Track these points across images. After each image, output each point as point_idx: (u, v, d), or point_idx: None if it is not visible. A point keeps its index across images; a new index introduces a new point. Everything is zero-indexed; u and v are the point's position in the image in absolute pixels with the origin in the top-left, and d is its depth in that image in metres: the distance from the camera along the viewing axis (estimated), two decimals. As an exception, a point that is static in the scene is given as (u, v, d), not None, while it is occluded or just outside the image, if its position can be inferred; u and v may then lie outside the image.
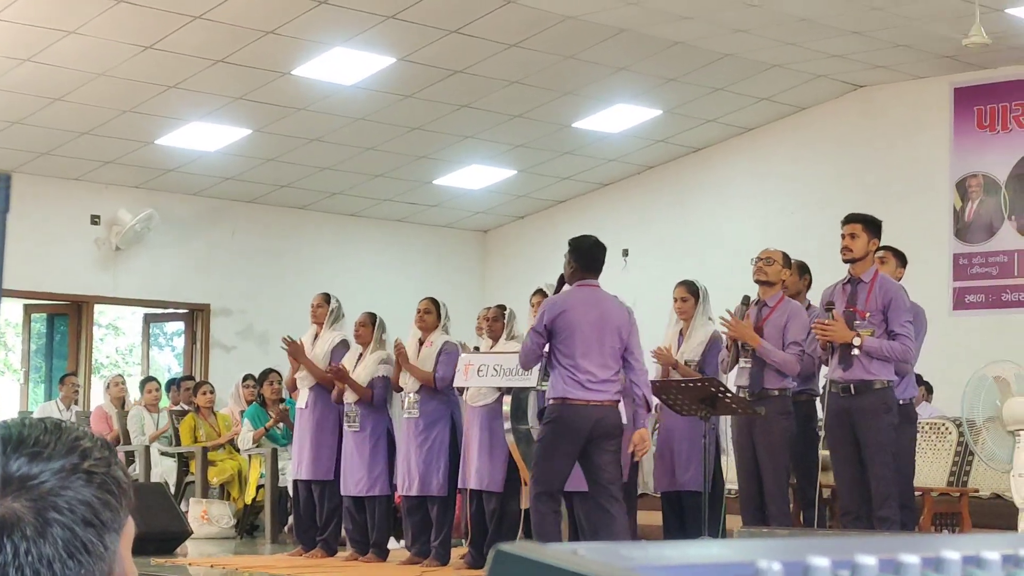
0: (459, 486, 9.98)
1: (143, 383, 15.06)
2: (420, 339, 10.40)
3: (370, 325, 10.75)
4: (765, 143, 15.78)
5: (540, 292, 10.79)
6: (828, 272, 9.73)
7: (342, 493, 10.66)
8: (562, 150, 16.02)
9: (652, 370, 9.92)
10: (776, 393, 8.70)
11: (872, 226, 8.44)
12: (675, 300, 9.63)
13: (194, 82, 13.32)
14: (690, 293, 9.57)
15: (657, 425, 9.95)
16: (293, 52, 12.91)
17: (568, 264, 8.48)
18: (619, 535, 8.16)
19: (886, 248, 8.95)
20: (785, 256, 9.03)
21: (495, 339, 10.09)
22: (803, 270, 9.68)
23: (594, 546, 1.16)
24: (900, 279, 8.93)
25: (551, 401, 8.35)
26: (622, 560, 1.13)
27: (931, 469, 11.33)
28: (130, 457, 14.03)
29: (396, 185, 16.79)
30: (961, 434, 10.96)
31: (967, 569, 1.25)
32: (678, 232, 16.44)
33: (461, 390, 10.01)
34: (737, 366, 8.81)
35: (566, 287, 8.57)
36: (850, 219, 8.49)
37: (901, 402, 8.50)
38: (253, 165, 15.72)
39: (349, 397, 10.59)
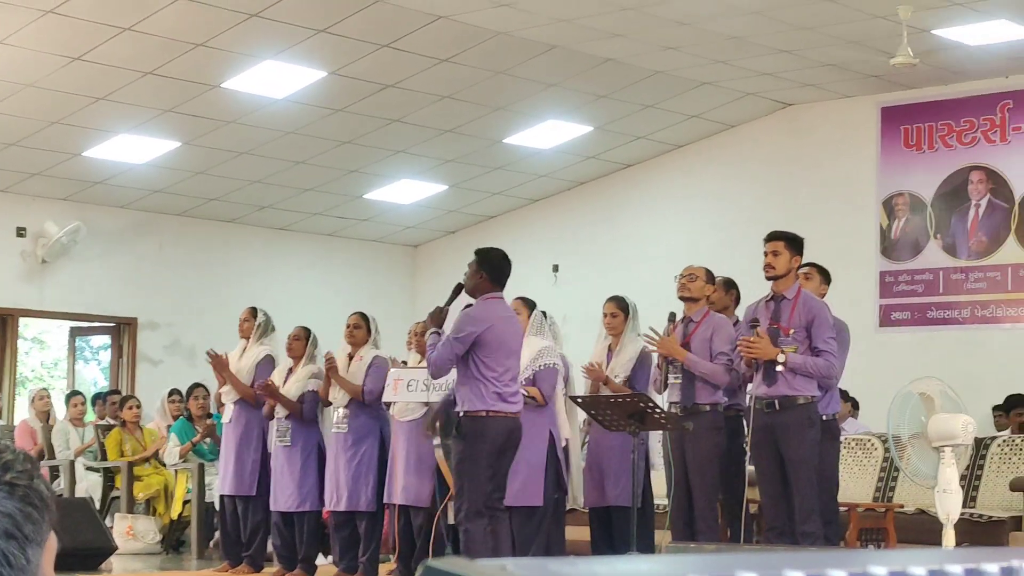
0: (385, 501, 9.94)
1: (68, 397, 14.90)
2: (350, 354, 10.35)
3: (304, 339, 10.70)
4: (694, 160, 15.86)
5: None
6: (757, 288, 9.77)
7: (272, 508, 10.59)
8: (493, 165, 16.02)
9: (582, 385, 9.94)
10: (707, 408, 8.75)
11: (794, 243, 8.51)
12: (604, 315, 9.64)
13: (123, 94, 13.21)
14: (620, 309, 9.59)
15: (586, 440, 9.96)
16: (223, 65, 12.84)
17: (476, 275, 8.55)
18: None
19: (811, 265, 9.02)
20: (708, 272, 9.10)
21: (423, 354, 10.06)
22: (729, 286, 9.75)
23: (523, 562, 1.16)
24: (824, 296, 9.00)
25: (469, 414, 8.34)
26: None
27: (857, 484, 11.41)
28: (55, 472, 13.88)
29: (326, 199, 16.72)
30: (887, 450, 11.04)
31: (893, 584, 1.25)
32: (608, 248, 16.48)
33: (389, 405, 9.98)
34: (669, 383, 8.85)
35: (477, 301, 8.60)
36: (772, 237, 8.55)
37: (824, 417, 8.56)
38: (182, 178, 15.61)
39: (280, 412, 10.53)
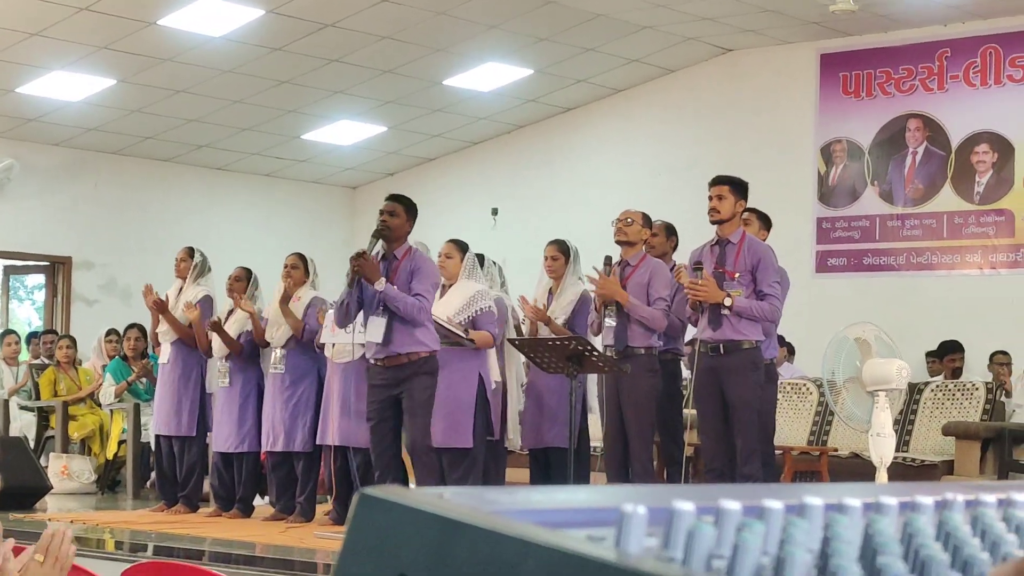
0: (320, 442, 9.94)
1: (1, 336, 14.78)
2: (286, 293, 10.31)
3: (244, 280, 10.65)
4: (634, 104, 15.86)
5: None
6: (695, 233, 9.82)
7: (213, 449, 10.57)
8: (433, 107, 15.96)
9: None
10: (642, 351, 8.78)
11: (739, 188, 8.53)
12: (545, 259, 9.65)
13: (57, 30, 13.04)
14: (561, 252, 9.60)
15: (525, 383, 9.98)
16: (160, 1, 12.69)
17: (407, 222, 8.66)
18: None
19: (750, 210, 9.05)
20: (645, 216, 9.11)
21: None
22: (670, 232, 9.77)
23: (460, 490, 1.15)
24: (764, 240, 9.03)
25: (422, 354, 8.53)
26: (487, 504, 1.12)
27: (792, 428, 11.52)
28: (-12, 411, 13.78)
29: (264, 139, 16.61)
30: (822, 394, 11.15)
31: (829, 515, 1.26)
32: (547, 191, 16.47)
33: (323, 347, 9.97)
34: (604, 326, 8.87)
35: (415, 249, 8.72)
36: (717, 181, 8.57)
37: (764, 362, 8.63)
38: (117, 116, 15.45)
39: (219, 352, 10.49)
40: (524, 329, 9.76)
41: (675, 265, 9.37)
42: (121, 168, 16.66)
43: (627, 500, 1.14)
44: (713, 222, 8.51)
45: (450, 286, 9.44)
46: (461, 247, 9.54)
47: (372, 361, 8.75)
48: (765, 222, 9.46)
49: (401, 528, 1.09)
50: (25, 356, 14.94)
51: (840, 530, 1.23)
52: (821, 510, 1.26)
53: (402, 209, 8.73)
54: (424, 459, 8.63)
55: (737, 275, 8.33)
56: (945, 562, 1.24)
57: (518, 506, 1.14)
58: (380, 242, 8.70)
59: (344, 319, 8.70)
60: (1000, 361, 12.79)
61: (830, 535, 1.22)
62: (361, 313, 8.73)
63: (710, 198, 8.51)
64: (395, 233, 8.68)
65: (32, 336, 15.32)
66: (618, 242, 9.03)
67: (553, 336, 9.05)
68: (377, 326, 8.55)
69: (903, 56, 13.99)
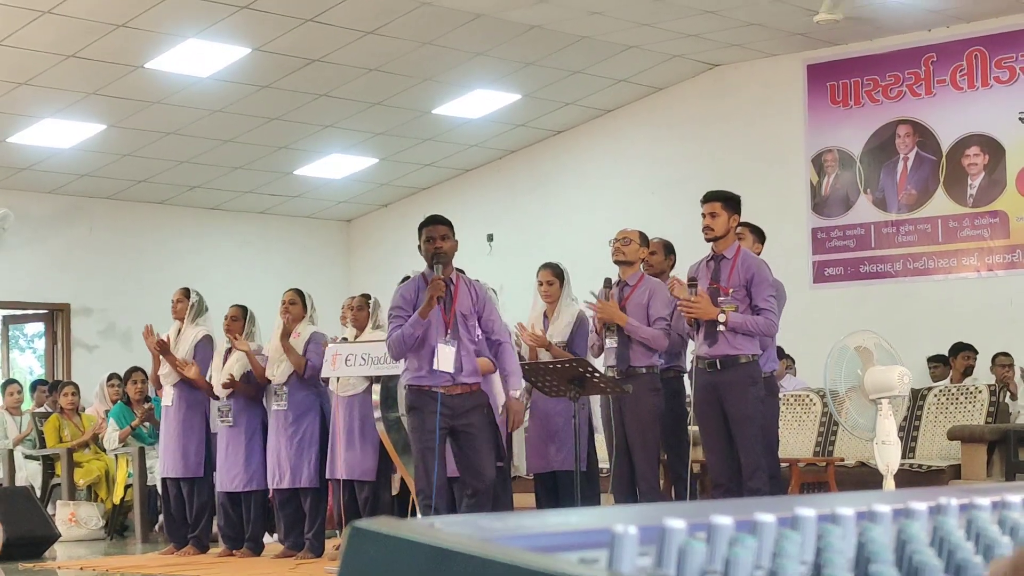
0: (327, 476, 9.92)
1: (4, 386, 14.77)
2: (285, 330, 10.31)
3: (241, 318, 10.64)
4: (624, 124, 15.89)
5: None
6: (691, 250, 9.82)
7: (218, 489, 10.56)
8: (423, 136, 15.98)
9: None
10: (644, 371, 8.78)
11: (731, 203, 8.53)
12: (540, 283, 9.63)
13: (45, 78, 13.07)
14: (555, 276, 9.59)
15: (528, 407, 9.96)
16: (146, 45, 12.72)
17: (455, 242, 8.38)
18: None
19: (743, 224, 9.04)
20: (642, 235, 9.11)
21: (360, 328, 10.05)
22: (668, 250, 9.76)
23: (452, 519, 1.16)
24: (759, 254, 9.04)
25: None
26: (480, 531, 1.13)
27: (797, 440, 11.51)
28: (-7, 462, 13.76)
29: (257, 177, 16.63)
30: (825, 404, 11.14)
31: (822, 526, 1.26)
32: (541, 215, 16.49)
33: (327, 380, 9.95)
34: (605, 347, 8.87)
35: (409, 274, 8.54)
36: (709, 197, 8.56)
37: (764, 375, 8.62)
38: (109, 161, 15.48)
39: (221, 392, 10.48)
40: (523, 354, 9.74)
41: (670, 280, 9.36)
42: (115, 212, 16.68)
43: (618, 521, 1.15)
44: (708, 239, 8.51)
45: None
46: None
47: (432, 388, 8.44)
48: (759, 235, 9.45)
49: (394, 559, 1.09)
50: (28, 405, 14.93)
51: (833, 540, 1.23)
52: (814, 521, 1.26)
53: (450, 231, 8.38)
54: (490, 488, 8.40)
55: (731, 290, 8.33)
56: (939, 567, 1.25)
57: (510, 532, 1.15)
58: (440, 268, 8.42)
59: (404, 349, 8.41)
60: (1003, 363, 12.79)
61: (823, 546, 1.23)
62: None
63: (703, 216, 8.50)
64: (450, 256, 8.39)
65: (40, 384, 15.29)
66: (616, 262, 9.02)
67: (554, 359, 9.03)
68: (447, 355, 8.30)
69: (889, 63, 14.03)
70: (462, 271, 8.71)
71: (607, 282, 8.98)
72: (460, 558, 1.06)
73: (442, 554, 1.07)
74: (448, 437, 8.30)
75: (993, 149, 13.52)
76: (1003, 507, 1.48)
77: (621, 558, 1.12)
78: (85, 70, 12.99)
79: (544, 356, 9.35)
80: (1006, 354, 12.83)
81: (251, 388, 10.43)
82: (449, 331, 8.23)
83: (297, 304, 10.34)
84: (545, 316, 9.61)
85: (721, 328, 8.27)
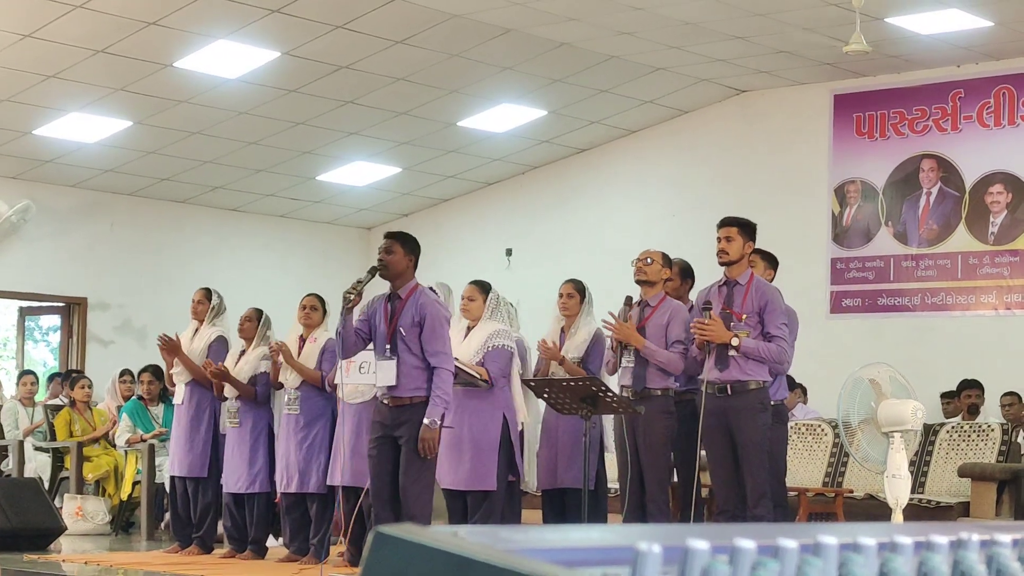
0: (331, 483, 9.91)
1: (20, 376, 14.81)
2: (302, 335, 10.32)
3: (255, 320, 10.66)
4: (648, 145, 15.89)
5: (429, 290, 10.76)
6: (709, 274, 9.80)
7: (224, 490, 10.56)
8: (447, 148, 16.00)
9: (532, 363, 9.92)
10: (659, 393, 8.76)
11: (747, 229, 8.53)
12: (560, 296, 9.62)
13: (74, 72, 13.12)
14: (576, 290, 9.58)
15: (540, 421, 9.95)
16: (176, 44, 12.76)
17: (406, 259, 8.51)
18: None
19: (755, 251, 9.02)
20: (664, 256, 9.09)
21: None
22: (686, 274, 9.73)
23: (474, 528, 1.16)
24: (771, 281, 9.03)
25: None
26: (502, 542, 1.12)
27: (807, 469, 11.48)
28: (3, 452, 13.79)
29: (279, 180, 16.66)
30: (836, 435, 11.12)
31: (844, 554, 1.26)
32: (561, 232, 16.49)
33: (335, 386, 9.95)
34: (622, 366, 8.86)
35: (424, 293, 8.57)
36: (725, 223, 8.56)
37: (772, 403, 8.60)
38: (133, 157, 15.51)
39: (230, 393, 10.49)
40: (537, 367, 9.74)
41: (691, 307, 9.34)
42: (137, 209, 16.71)
43: (641, 539, 1.14)
44: (722, 263, 8.51)
45: (473, 328, 9.42)
46: (484, 288, 9.52)
47: (379, 398, 8.65)
48: (771, 262, 9.44)
49: (416, 566, 1.09)
50: (42, 396, 14.95)
51: (855, 569, 1.23)
52: (836, 549, 1.26)
53: (399, 246, 8.55)
54: (413, 509, 8.45)
55: (744, 316, 8.33)
56: (960, 601, 1.24)
57: (532, 544, 1.14)
58: (370, 277, 8.61)
59: (344, 351, 8.66)
60: (1007, 402, 12.77)
61: (845, 574, 1.22)
62: (371, 353, 8.71)
63: (719, 239, 8.51)
64: (394, 270, 8.53)
65: (56, 376, 15.31)
66: (638, 281, 9.00)
67: (567, 377, 9.02)
68: (387, 369, 8.48)
69: (917, 97, 14.01)
70: (433, 289, 8.86)
71: (628, 300, 8.97)
72: (483, 568, 1.06)
73: (465, 563, 1.07)
74: (393, 446, 8.47)
75: (1017, 187, 13.49)
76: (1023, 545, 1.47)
77: (643, 576, 1.12)
78: (114, 66, 13.03)
79: (556, 370, 9.34)
80: (1013, 393, 12.81)
81: (249, 390, 10.41)
82: (388, 346, 8.42)
83: (318, 310, 10.34)
84: (563, 331, 9.60)
85: (733, 353, 8.27)
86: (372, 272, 8.55)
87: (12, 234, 15.73)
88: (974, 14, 12.33)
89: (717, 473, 8.48)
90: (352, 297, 8.37)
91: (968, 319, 13.65)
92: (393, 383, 8.41)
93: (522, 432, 9.68)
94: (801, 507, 10.04)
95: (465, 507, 9.21)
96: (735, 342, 8.24)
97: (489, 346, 9.26)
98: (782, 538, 1.22)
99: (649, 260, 8.98)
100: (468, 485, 9.07)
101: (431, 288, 9.07)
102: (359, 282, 8.45)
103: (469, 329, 9.39)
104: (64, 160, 15.44)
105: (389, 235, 8.70)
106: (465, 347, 9.21)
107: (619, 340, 8.81)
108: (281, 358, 10.24)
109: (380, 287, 8.84)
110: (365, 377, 9.66)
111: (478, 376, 9.14)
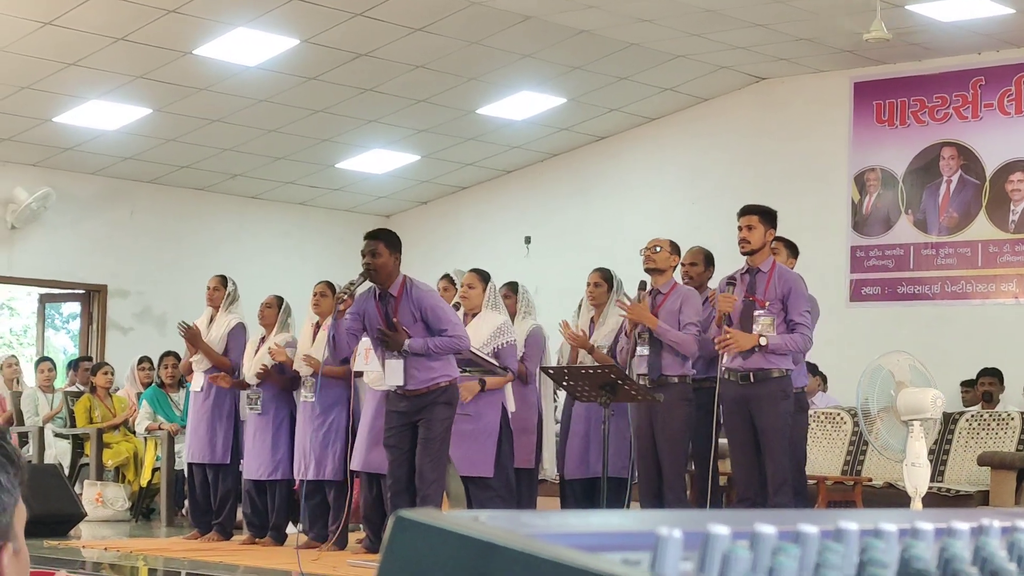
0: (350, 468, 9.93)
1: (38, 363, 14.86)
2: (316, 323, 10.33)
3: (276, 307, 10.69)
4: (668, 133, 15.86)
5: (447, 277, 10.78)
6: (729, 261, 9.80)
7: (245, 476, 10.59)
8: (466, 136, 15.99)
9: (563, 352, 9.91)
10: (676, 380, 8.76)
11: (768, 217, 8.52)
12: (588, 284, 9.62)
13: (94, 60, 13.14)
14: (604, 279, 9.57)
15: (563, 410, 9.94)
16: (195, 31, 12.77)
17: (392, 258, 8.51)
18: None
19: (777, 239, 9.02)
20: (672, 244, 9.11)
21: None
22: (708, 261, 9.71)
23: (496, 513, 1.16)
24: (792, 268, 9.02)
25: (453, 382, 8.56)
26: (523, 527, 1.13)
27: (826, 458, 11.46)
28: (23, 438, 13.84)
29: (298, 168, 16.67)
30: (856, 423, 11.10)
31: (865, 540, 1.26)
32: (580, 220, 16.48)
33: (359, 373, 9.96)
34: (637, 354, 8.86)
35: (419, 285, 8.60)
36: (746, 211, 8.55)
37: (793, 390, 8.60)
38: (153, 145, 15.54)
39: (252, 380, 10.51)
40: (563, 354, 9.72)
41: (707, 297, 9.32)
42: (156, 196, 16.75)
43: (662, 524, 1.14)
44: (744, 253, 8.50)
45: (473, 316, 9.43)
46: (483, 277, 9.53)
47: (393, 388, 8.65)
48: (792, 250, 9.44)
49: (437, 551, 1.09)
50: (61, 383, 14.99)
51: (876, 555, 1.23)
52: (857, 535, 1.26)
53: (383, 246, 8.52)
54: (428, 491, 8.49)
55: (767, 303, 8.32)
56: (982, 587, 1.24)
57: (553, 530, 1.15)
58: (362, 280, 8.59)
59: (336, 352, 8.67)
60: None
61: (866, 559, 1.22)
62: (374, 351, 8.77)
63: (740, 228, 8.50)
64: (383, 272, 8.51)
65: (81, 361, 15.35)
66: (647, 269, 9.03)
67: (588, 364, 9.02)
68: (395, 369, 8.49)
69: (937, 84, 13.96)
70: (427, 285, 8.88)
71: (642, 285, 8.99)
72: (505, 552, 1.06)
73: (487, 548, 1.07)
74: (411, 433, 8.53)
75: (1037, 176, 13.44)
76: (1045, 532, 1.47)
77: (664, 561, 1.12)
78: (134, 54, 13.05)
79: (585, 358, 9.33)
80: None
81: (284, 379, 10.47)
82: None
83: (328, 296, 10.34)
84: (592, 321, 9.60)
85: (759, 350, 8.29)
86: (364, 276, 8.52)
87: (33, 221, 15.77)
88: (995, 1, 12.28)
89: (738, 460, 8.48)
90: (345, 298, 8.36)
91: (988, 307, 13.61)
92: (401, 383, 8.43)
93: (541, 420, 9.69)
94: (820, 495, 10.02)
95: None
96: (763, 341, 8.25)
97: (501, 343, 9.29)
98: (803, 524, 1.22)
99: (657, 248, 9.00)
100: (467, 471, 9.14)
101: (446, 276, 9.09)
102: (352, 284, 8.44)
103: (468, 318, 9.40)
104: (84, 148, 15.47)
105: (371, 236, 8.63)
106: (471, 334, 9.22)
107: (632, 321, 8.82)
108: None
109: (416, 271, 8.89)
110: (373, 364, 9.67)
111: (496, 364, 9.19)
